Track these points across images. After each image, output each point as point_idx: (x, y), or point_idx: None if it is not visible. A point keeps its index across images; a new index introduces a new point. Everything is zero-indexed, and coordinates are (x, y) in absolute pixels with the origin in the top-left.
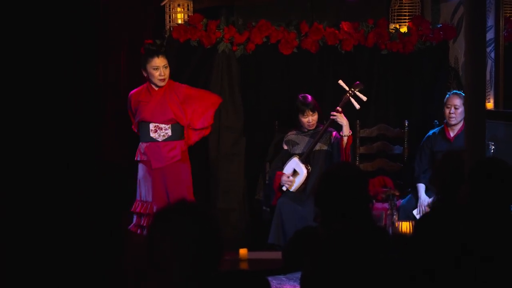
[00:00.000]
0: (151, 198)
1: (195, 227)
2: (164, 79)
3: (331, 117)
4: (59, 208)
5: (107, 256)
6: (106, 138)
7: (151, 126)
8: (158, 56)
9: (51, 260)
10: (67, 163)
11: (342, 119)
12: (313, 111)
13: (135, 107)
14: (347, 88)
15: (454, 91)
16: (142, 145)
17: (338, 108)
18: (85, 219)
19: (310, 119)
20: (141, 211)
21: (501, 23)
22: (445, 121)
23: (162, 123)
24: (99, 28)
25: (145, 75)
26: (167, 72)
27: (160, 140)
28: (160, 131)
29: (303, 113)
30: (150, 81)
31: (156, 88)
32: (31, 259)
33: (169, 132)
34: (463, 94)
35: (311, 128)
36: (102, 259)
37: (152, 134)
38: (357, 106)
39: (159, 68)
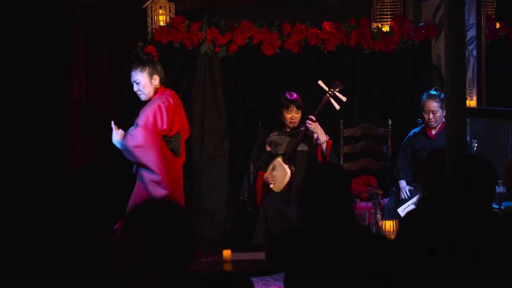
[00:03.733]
0: None
1: (165, 225)
2: (140, 95)
3: (307, 124)
4: (35, 212)
5: (87, 259)
6: (86, 142)
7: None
8: (131, 71)
9: (28, 266)
10: (51, 167)
11: (316, 129)
12: (298, 109)
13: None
14: (326, 89)
15: (429, 93)
16: None
17: (312, 117)
18: (65, 223)
19: (293, 115)
20: None
21: (482, 21)
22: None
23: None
24: (79, 30)
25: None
26: (140, 87)
27: None
28: None
29: (287, 108)
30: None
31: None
32: (5, 265)
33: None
34: (437, 94)
35: (292, 126)
36: (81, 263)
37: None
38: (337, 107)
39: (133, 83)
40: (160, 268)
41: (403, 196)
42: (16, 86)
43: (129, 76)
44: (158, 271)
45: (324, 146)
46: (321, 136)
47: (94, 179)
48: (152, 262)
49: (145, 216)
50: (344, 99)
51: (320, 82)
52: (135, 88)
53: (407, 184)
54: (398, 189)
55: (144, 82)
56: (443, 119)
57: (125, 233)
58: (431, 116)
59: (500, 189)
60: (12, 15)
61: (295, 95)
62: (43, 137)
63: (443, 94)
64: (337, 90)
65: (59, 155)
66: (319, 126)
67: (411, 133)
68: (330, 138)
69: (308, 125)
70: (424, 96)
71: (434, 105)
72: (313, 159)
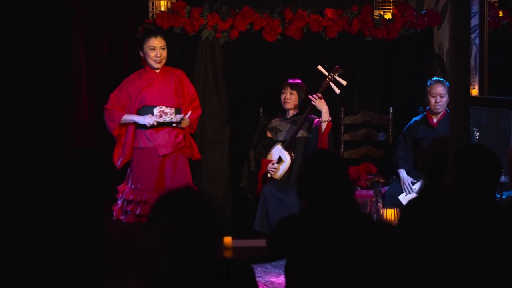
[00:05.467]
0: (146, 186)
1: (190, 217)
2: (160, 61)
3: (312, 102)
4: (34, 199)
5: (87, 245)
6: (81, 127)
7: (156, 111)
8: (156, 37)
9: (26, 254)
10: (44, 153)
11: (322, 105)
12: (292, 89)
13: (134, 92)
14: (326, 73)
15: (435, 78)
16: (145, 132)
17: (318, 94)
18: (63, 209)
19: (287, 95)
20: (131, 198)
21: (485, 9)
22: (428, 107)
23: (167, 107)
24: (80, 15)
25: (142, 55)
26: (164, 53)
27: (165, 125)
28: (165, 116)
29: (282, 88)
30: (147, 63)
31: (157, 71)
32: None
33: (174, 118)
34: (444, 81)
35: (287, 107)
36: (81, 249)
37: (157, 119)
38: (337, 91)
39: (156, 48)
40: (173, 259)
41: (407, 191)
42: (18, 85)
43: (130, 70)
44: (170, 261)
45: (324, 125)
46: (325, 114)
47: (92, 166)
48: (168, 252)
49: (174, 206)
50: (344, 83)
51: (319, 67)
52: (159, 53)
53: (407, 173)
54: (398, 177)
55: (166, 50)
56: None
57: (150, 219)
58: (438, 99)
59: (502, 178)
60: (12, 16)
61: (297, 80)
62: (44, 133)
63: (447, 83)
64: (337, 74)
65: (60, 152)
66: (325, 104)
67: (412, 121)
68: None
69: (313, 101)
70: (429, 82)
71: (441, 88)
72: (313, 145)
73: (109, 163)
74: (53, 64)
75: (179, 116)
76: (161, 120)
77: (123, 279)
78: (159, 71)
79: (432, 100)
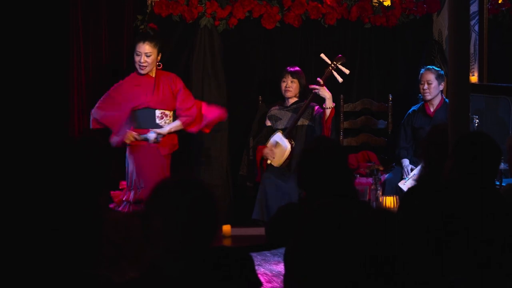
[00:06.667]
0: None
1: (189, 204)
2: (144, 67)
3: (314, 90)
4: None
5: (85, 234)
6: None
7: (158, 112)
8: (143, 42)
9: (23, 243)
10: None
11: (324, 92)
12: (293, 77)
13: (129, 92)
14: (329, 62)
15: (428, 66)
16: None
17: (320, 80)
18: (61, 198)
19: (288, 83)
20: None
21: None
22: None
23: (167, 110)
24: (80, 14)
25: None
26: (149, 60)
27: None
28: (165, 118)
29: (283, 76)
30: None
31: (152, 75)
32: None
33: (172, 120)
34: (436, 69)
35: (288, 96)
36: (78, 237)
37: (158, 121)
38: (340, 80)
39: (140, 54)
40: (172, 246)
41: (405, 176)
42: (17, 85)
43: (128, 57)
44: (173, 250)
45: (328, 111)
46: (329, 101)
47: (90, 152)
48: (165, 238)
49: (171, 193)
50: (347, 71)
51: (322, 55)
52: (143, 59)
53: (410, 162)
54: (400, 166)
55: (153, 57)
56: (443, 95)
57: (148, 205)
58: (425, 86)
59: (501, 165)
60: (11, 15)
61: (296, 68)
62: (43, 133)
63: (442, 71)
64: (339, 63)
65: (60, 153)
66: (328, 91)
67: (410, 111)
68: None
69: (315, 90)
70: (422, 69)
71: (430, 76)
72: (312, 133)
73: (109, 151)
74: (52, 64)
75: (152, 135)
76: (141, 137)
77: (121, 268)
78: (156, 75)
79: (421, 87)
